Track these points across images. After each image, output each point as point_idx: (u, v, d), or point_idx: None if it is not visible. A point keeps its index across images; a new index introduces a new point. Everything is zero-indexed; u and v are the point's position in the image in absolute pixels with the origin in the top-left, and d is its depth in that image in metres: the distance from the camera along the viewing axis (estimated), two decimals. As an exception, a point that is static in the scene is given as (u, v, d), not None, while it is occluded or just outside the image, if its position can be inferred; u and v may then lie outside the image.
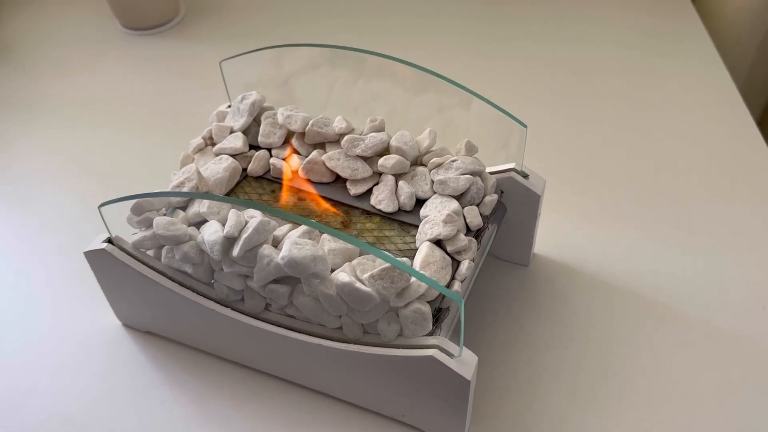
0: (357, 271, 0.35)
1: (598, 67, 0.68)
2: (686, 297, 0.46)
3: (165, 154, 0.52)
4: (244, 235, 0.35)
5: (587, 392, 0.40)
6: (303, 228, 0.37)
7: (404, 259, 0.36)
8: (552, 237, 0.49)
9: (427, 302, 0.35)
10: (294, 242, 0.34)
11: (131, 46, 0.76)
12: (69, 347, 0.44)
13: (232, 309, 0.39)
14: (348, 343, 0.36)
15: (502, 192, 0.43)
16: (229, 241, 0.36)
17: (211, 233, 0.36)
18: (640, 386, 0.41)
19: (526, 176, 0.43)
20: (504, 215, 0.44)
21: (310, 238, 0.37)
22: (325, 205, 0.42)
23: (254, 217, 0.37)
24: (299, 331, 0.37)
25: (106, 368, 0.43)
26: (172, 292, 0.39)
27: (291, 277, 0.36)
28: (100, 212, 0.38)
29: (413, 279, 0.34)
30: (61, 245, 0.52)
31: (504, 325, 0.44)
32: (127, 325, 0.46)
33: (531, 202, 0.43)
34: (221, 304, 0.39)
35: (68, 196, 0.56)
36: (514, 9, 0.78)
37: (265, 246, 0.35)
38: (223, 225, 0.37)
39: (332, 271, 0.35)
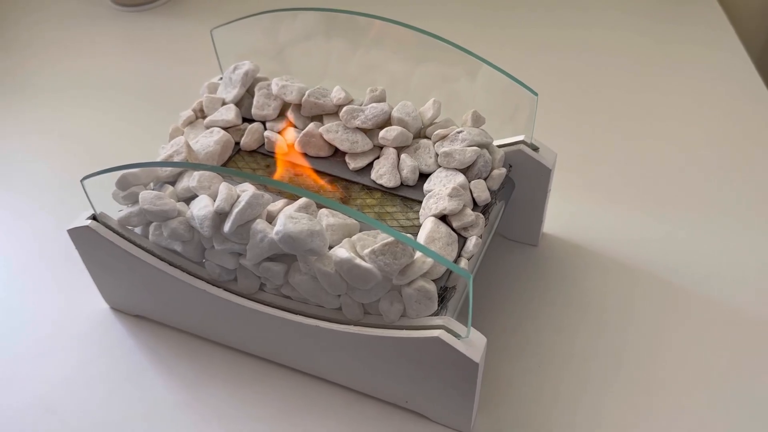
0: (357, 247, 0.33)
1: (610, 44, 0.66)
2: (702, 278, 0.43)
3: (154, 131, 0.49)
4: (236, 210, 0.33)
5: (599, 377, 0.38)
6: (299, 202, 0.35)
7: (407, 235, 0.34)
8: (562, 216, 0.47)
9: (432, 280, 0.33)
10: (289, 216, 0.32)
11: (122, 23, 0.73)
12: (53, 332, 0.42)
13: (225, 289, 0.36)
14: (348, 324, 0.34)
15: (510, 166, 0.41)
16: (220, 216, 0.34)
17: (201, 208, 0.34)
18: (654, 371, 0.39)
19: (536, 149, 0.40)
20: (512, 191, 0.42)
21: (306, 213, 0.34)
22: (323, 180, 0.40)
23: (246, 191, 0.34)
24: (296, 313, 0.35)
25: (93, 354, 0.41)
26: (161, 272, 0.37)
27: (287, 254, 0.33)
28: (83, 186, 0.36)
29: (417, 255, 0.32)
30: (47, 225, 0.49)
31: (512, 307, 0.42)
32: (116, 309, 0.43)
33: (541, 176, 0.41)
34: (213, 284, 0.37)
35: (54, 174, 0.54)
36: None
37: (258, 221, 0.33)
38: (214, 199, 0.34)
39: (330, 247, 0.33)
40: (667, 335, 0.40)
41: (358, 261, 0.31)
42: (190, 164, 0.37)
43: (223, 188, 0.34)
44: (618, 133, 0.55)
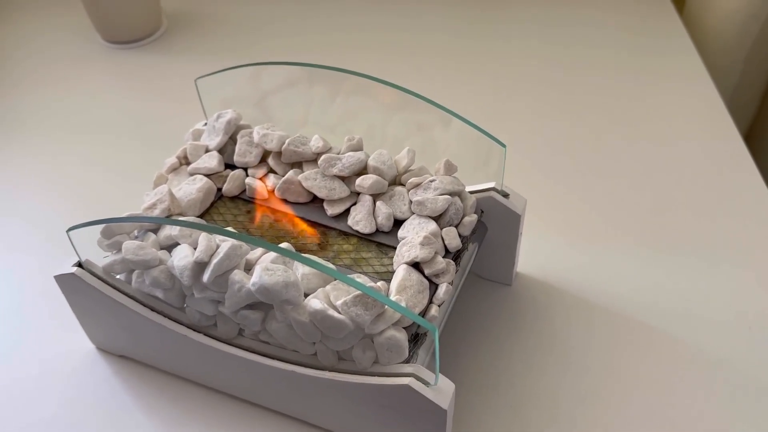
0: (331, 297, 0.34)
1: (580, 82, 0.68)
2: (671, 317, 0.45)
3: (141, 171, 0.51)
4: (215, 261, 0.34)
5: (567, 417, 0.40)
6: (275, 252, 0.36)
7: (380, 283, 0.36)
8: (536, 255, 0.49)
9: (404, 328, 0.34)
10: (265, 268, 0.33)
11: (112, 59, 0.75)
12: (40, 372, 0.43)
13: (205, 334, 0.38)
14: (323, 370, 0.35)
15: (482, 212, 0.42)
16: (200, 266, 0.35)
17: (181, 258, 0.35)
18: (623, 411, 0.40)
19: (506, 195, 0.42)
20: (485, 234, 0.44)
21: (283, 263, 0.36)
22: (302, 225, 0.41)
23: (226, 241, 0.36)
24: (273, 357, 0.36)
25: (77, 393, 0.42)
26: (144, 318, 0.38)
27: (263, 302, 0.35)
28: (68, 236, 0.37)
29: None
30: (33, 266, 0.51)
31: (484, 348, 0.44)
32: (101, 349, 0.45)
33: (512, 221, 0.42)
34: (194, 330, 0.38)
35: (40, 215, 0.55)
36: (493, 24, 0.78)
37: (236, 271, 0.35)
38: (195, 249, 0.36)
39: (307, 295, 0.35)
40: (637, 375, 0.42)
41: (331, 312, 0.33)
42: (170, 220, 0.38)
43: (203, 239, 0.35)
44: (589, 174, 0.57)
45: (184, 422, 0.40)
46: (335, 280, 0.35)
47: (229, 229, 0.39)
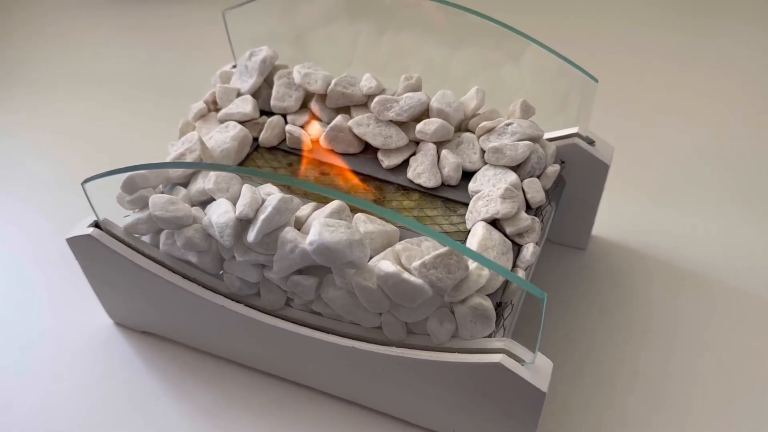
0: (402, 258, 0.28)
1: (660, 25, 0.61)
2: (763, 282, 0.39)
3: (162, 125, 0.45)
4: (262, 216, 0.28)
5: (671, 400, 0.34)
6: (332, 206, 0.30)
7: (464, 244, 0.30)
8: (611, 216, 0.43)
9: (488, 295, 0.28)
10: (324, 224, 0.28)
11: (120, 9, 0.68)
12: (52, 352, 0.38)
13: (246, 305, 0.32)
14: (389, 345, 0.30)
15: (563, 162, 0.36)
16: (243, 223, 0.29)
17: (221, 214, 0.29)
18: (717, 386, 0.34)
19: (592, 143, 0.36)
20: (563, 190, 0.38)
21: (340, 219, 0.30)
22: (354, 179, 0.35)
23: (272, 194, 0.30)
24: (328, 331, 0.31)
25: (96, 376, 0.37)
26: (174, 286, 0.33)
27: (318, 266, 0.29)
28: (84, 189, 0.32)
29: (472, 267, 0.28)
30: (43, 231, 0.45)
31: (563, 321, 0.38)
32: (121, 324, 0.39)
33: (597, 173, 0.37)
34: (232, 299, 0.32)
35: (51, 173, 0.50)
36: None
37: (288, 229, 0.29)
38: (235, 204, 0.30)
39: (370, 258, 0.29)
40: (735, 347, 0.36)
41: (406, 275, 0.27)
42: (205, 164, 0.32)
43: (246, 191, 0.29)
44: (671, 127, 0.50)
45: (221, 407, 0.35)
46: (403, 241, 0.30)
47: (269, 186, 0.33)
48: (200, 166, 0.32)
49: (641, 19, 0.62)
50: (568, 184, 0.38)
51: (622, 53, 0.58)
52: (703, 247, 0.41)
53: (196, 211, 0.31)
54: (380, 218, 0.31)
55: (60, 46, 0.64)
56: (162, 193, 0.33)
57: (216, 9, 0.66)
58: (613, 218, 0.42)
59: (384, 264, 0.27)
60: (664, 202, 0.44)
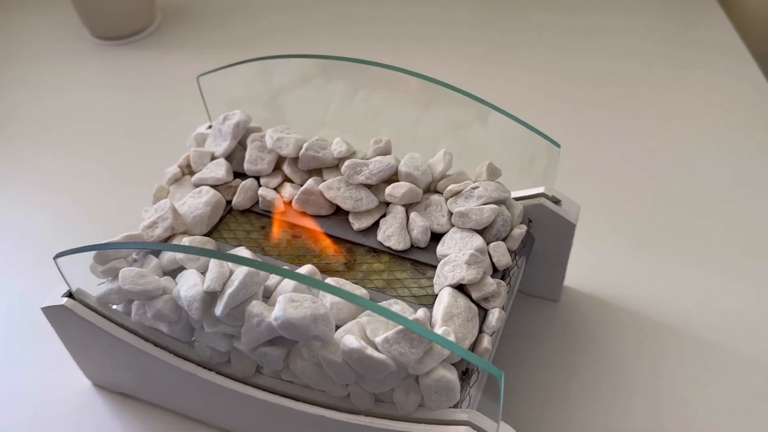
0: (367, 331, 0.29)
1: (621, 75, 0.62)
2: (739, 335, 0.40)
3: (138, 180, 0.46)
4: (229, 290, 0.29)
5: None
6: (303, 272, 0.31)
7: (420, 311, 0.30)
8: (584, 266, 0.43)
9: (453, 364, 0.29)
10: (290, 299, 0.28)
11: (102, 57, 0.69)
12: (28, 414, 0.38)
13: (217, 372, 0.32)
14: (357, 414, 0.30)
15: (530, 221, 0.37)
16: (211, 296, 0.30)
17: (189, 287, 0.30)
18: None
19: (557, 202, 0.37)
20: (532, 246, 0.38)
21: (309, 291, 0.30)
22: (325, 242, 0.36)
23: (242, 264, 0.30)
24: (297, 399, 0.31)
25: (72, 439, 0.37)
26: (146, 354, 0.33)
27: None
28: (56, 264, 0.32)
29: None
30: (18, 294, 0.45)
31: (533, 376, 0.38)
32: (98, 386, 0.39)
33: (564, 231, 0.37)
34: (204, 367, 0.33)
35: (26, 233, 0.50)
36: (523, 14, 0.72)
37: (254, 302, 0.29)
38: (203, 275, 0.30)
39: (337, 327, 0.29)
40: (714, 405, 0.36)
41: (370, 351, 0.27)
42: (171, 246, 0.33)
43: (213, 265, 0.30)
44: (640, 175, 0.51)
45: (195, 471, 0.35)
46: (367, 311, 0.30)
47: (242, 250, 0.33)
48: (162, 247, 0.32)
49: (601, 74, 0.63)
50: (537, 241, 0.38)
51: (588, 110, 0.59)
52: (676, 298, 0.42)
53: (166, 281, 0.32)
54: (348, 284, 0.31)
55: (42, 93, 0.65)
56: (135, 260, 0.34)
57: (195, 54, 0.68)
58: (585, 270, 0.43)
59: (348, 339, 0.28)
60: (635, 254, 0.45)
